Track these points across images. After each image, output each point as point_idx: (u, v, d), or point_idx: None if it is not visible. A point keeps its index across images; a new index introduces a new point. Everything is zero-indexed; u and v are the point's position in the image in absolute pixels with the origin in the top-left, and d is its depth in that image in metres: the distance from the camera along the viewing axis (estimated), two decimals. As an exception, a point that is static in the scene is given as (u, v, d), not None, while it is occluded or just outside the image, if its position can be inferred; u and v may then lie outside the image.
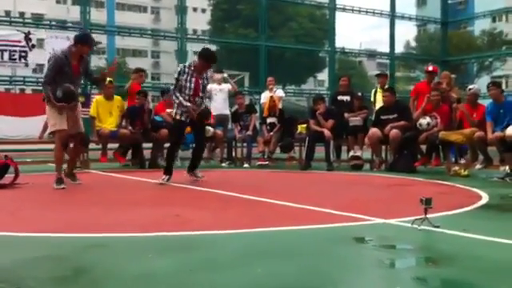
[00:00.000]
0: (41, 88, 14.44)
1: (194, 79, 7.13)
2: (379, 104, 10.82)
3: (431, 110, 9.09)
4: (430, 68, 10.50)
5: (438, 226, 3.84)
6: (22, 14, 40.14)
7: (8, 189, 6.45)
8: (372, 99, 11.33)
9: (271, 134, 10.69)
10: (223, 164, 10.56)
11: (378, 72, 13.05)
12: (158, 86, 15.30)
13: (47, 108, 6.67)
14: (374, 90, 11.66)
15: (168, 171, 7.17)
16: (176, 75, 7.23)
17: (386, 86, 11.04)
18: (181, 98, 7.11)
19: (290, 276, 2.79)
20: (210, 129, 10.44)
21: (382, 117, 9.53)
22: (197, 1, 45.40)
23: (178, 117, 7.22)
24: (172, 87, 7.44)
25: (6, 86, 20.77)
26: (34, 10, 46.28)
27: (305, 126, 10.43)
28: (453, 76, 11.32)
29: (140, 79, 10.89)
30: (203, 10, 49.93)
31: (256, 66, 18.00)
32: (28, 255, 3.20)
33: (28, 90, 23.69)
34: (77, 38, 6.81)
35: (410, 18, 22.29)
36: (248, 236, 3.84)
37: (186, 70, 7.14)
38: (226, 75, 12.28)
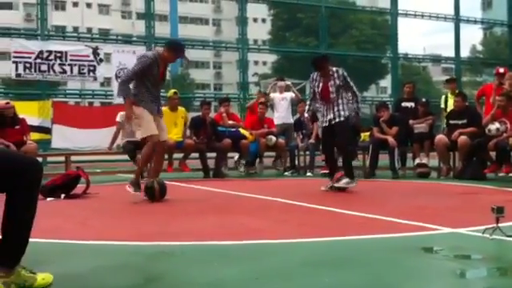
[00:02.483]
0: (108, 101, 15.09)
1: (321, 84, 7.19)
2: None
3: (500, 115, 8.79)
4: (501, 70, 10.11)
5: (510, 236, 3.71)
6: (89, 30, 41.68)
7: (79, 198, 6.72)
8: (443, 105, 11.06)
9: (334, 142, 10.59)
10: (286, 173, 10.55)
11: (448, 77, 12.64)
12: (221, 97, 15.45)
13: (140, 111, 6.28)
14: (444, 97, 11.37)
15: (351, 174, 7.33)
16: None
17: (457, 91, 10.71)
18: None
19: (358, 286, 2.76)
20: (272, 138, 10.48)
21: (451, 121, 9.31)
22: (257, 11, 45.63)
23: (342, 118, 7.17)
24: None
25: (76, 100, 21.54)
26: (100, 25, 48.05)
27: (368, 133, 10.29)
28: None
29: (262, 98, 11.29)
30: (263, 20, 50.29)
31: (317, 75, 17.94)
32: (101, 263, 3.30)
33: (96, 103, 24.52)
34: (167, 44, 6.70)
35: (475, 22, 21.64)
36: (313, 245, 3.82)
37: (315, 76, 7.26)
38: (289, 83, 12.27)
